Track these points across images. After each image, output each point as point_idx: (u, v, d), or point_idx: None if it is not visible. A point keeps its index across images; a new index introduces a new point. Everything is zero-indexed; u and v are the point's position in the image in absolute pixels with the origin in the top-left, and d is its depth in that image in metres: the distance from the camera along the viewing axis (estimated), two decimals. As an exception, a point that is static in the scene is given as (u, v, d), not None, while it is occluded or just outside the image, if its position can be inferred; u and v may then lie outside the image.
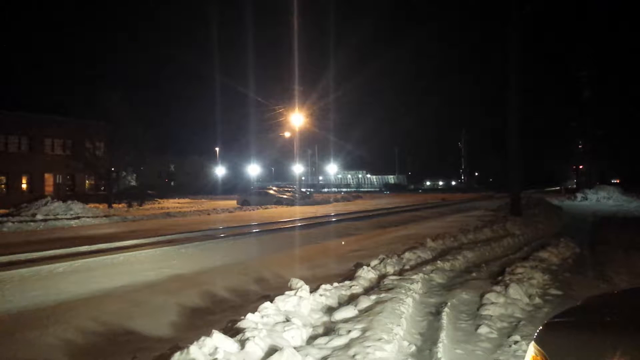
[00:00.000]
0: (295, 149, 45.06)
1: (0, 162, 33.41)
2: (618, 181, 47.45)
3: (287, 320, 4.68)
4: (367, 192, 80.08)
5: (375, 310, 5.16)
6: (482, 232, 12.70)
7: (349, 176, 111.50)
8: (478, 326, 5.00)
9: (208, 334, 3.84)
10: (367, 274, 7.22)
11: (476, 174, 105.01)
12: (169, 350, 3.78)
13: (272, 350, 3.80)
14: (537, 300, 6.13)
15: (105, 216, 23.36)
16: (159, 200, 40.34)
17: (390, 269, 7.80)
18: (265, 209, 30.88)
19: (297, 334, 4.41)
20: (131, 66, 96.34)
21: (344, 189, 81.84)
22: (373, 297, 5.73)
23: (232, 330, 4.35)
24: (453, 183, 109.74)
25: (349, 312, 5.20)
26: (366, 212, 26.17)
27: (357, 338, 4.31)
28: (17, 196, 32.07)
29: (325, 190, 75.83)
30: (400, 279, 6.88)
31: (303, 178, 75.34)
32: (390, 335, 4.35)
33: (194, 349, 3.58)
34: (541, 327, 2.14)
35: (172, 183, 68.22)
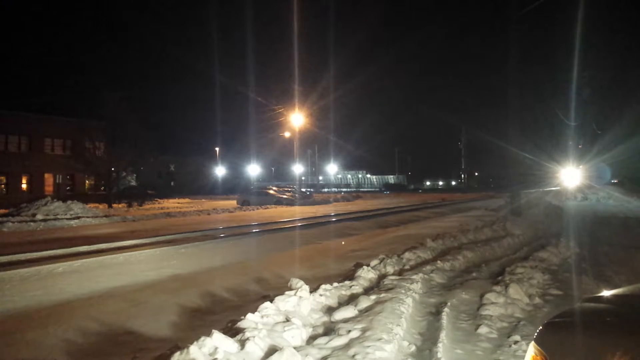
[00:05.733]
0: (295, 149, 45.10)
1: (0, 162, 33.39)
2: (617, 181, 47.38)
3: (287, 320, 4.68)
4: (367, 192, 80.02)
5: (375, 310, 5.16)
6: (482, 232, 12.70)
7: (349, 176, 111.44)
8: (478, 326, 5.00)
9: (208, 334, 3.84)
10: (367, 274, 7.22)
11: (476, 174, 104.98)
12: (169, 350, 3.78)
13: (272, 350, 3.80)
14: (537, 300, 6.13)
15: (105, 216, 23.36)
16: (159, 200, 40.35)
17: (390, 269, 7.80)
18: (265, 209, 30.88)
19: (297, 334, 4.41)
20: (131, 66, 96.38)
21: (344, 189, 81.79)
22: (373, 297, 5.73)
23: (232, 330, 4.35)
24: (453, 183, 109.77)
25: (348, 312, 5.20)
26: (366, 212, 26.16)
27: (357, 338, 4.31)
28: (17, 196, 32.07)
29: (325, 190, 75.78)
30: (400, 279, 6.88)
31: (303, 178, 75.33)
32: (390, 335, 4.35)
33: (194, 349, 3.58)
34: (541, 327, 2.14)
35: (172, 183, 68.18)
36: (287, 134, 49.62)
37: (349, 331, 4.49)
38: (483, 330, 4.89)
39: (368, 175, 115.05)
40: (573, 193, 37.79)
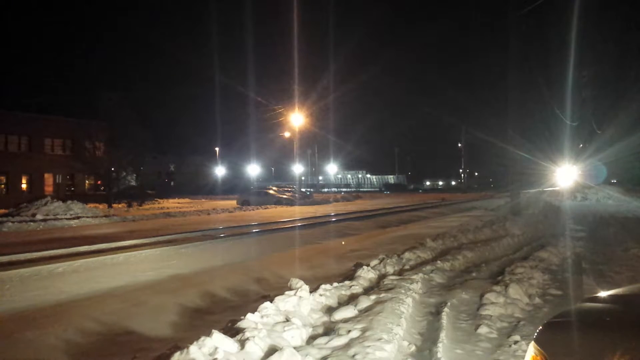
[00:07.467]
0: (295, 149, 45.13)
1: (0, 162, 33.37)
2: (616, 181, 47.38)
3: (287, 320, 4.68)
4: (367, 192, 79.99)
5: (375, 310, 5.16)
6: (481, 232, 12.71)
7: (349, 176, 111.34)
8: (478, 326, 5.00)
9: (208, 334, 3.84)
10: (367, 274, 7.22)
11: (476, 174, 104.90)
12: (169, 350, 3.78)
13: (272, 350, 3.81)
14: (537, 300, 6.13)
15: (105, 216, 23.36)
16: (159, 200, 40.35)
17: (390, 269, 7.81)
18: (265, 209, 30.88)
19: (297, 334, 4.41)
20: (131, 66, 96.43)
21: (344, 189, 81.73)
22: (373, 297, 5.74)
23: (232, 330, 4.35)
24: (453, 183, 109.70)
25: (348, 312, 5.20)
26: (366, 212, 26.15)
27: (357, 338, 4.32)
28: (17, 196, 32.03)
29: (325, 190, 75.74)
30: (400, 279, 6.88)
31: (303, 178, 75.26)
32: (390, 335, 4.35)
33: (193, 349, 3.58)
34: (541, 327, 2.14)
35: (172, 183, 68.25)
36: (287, 134, 49.63)
37: (349, 331, 4.49)
38: (483, 330, 4.90)
39: (368, 175, 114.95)
40: (572, 193, 37.80)
